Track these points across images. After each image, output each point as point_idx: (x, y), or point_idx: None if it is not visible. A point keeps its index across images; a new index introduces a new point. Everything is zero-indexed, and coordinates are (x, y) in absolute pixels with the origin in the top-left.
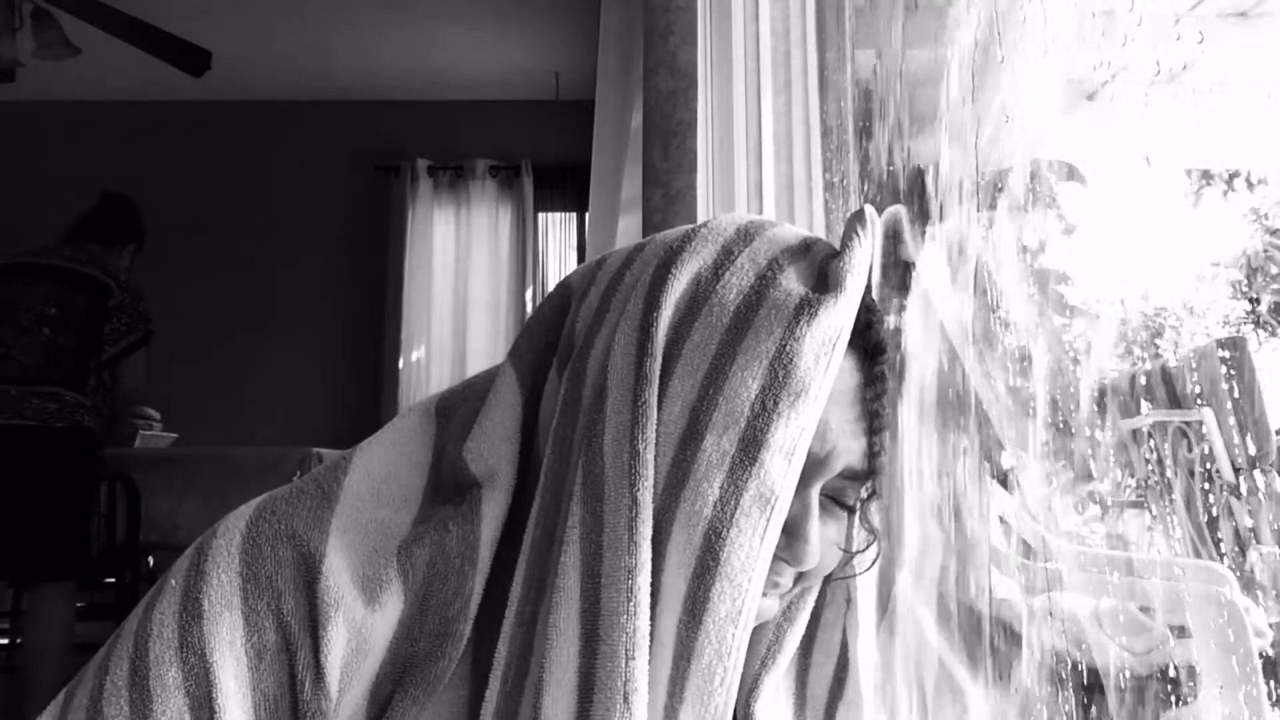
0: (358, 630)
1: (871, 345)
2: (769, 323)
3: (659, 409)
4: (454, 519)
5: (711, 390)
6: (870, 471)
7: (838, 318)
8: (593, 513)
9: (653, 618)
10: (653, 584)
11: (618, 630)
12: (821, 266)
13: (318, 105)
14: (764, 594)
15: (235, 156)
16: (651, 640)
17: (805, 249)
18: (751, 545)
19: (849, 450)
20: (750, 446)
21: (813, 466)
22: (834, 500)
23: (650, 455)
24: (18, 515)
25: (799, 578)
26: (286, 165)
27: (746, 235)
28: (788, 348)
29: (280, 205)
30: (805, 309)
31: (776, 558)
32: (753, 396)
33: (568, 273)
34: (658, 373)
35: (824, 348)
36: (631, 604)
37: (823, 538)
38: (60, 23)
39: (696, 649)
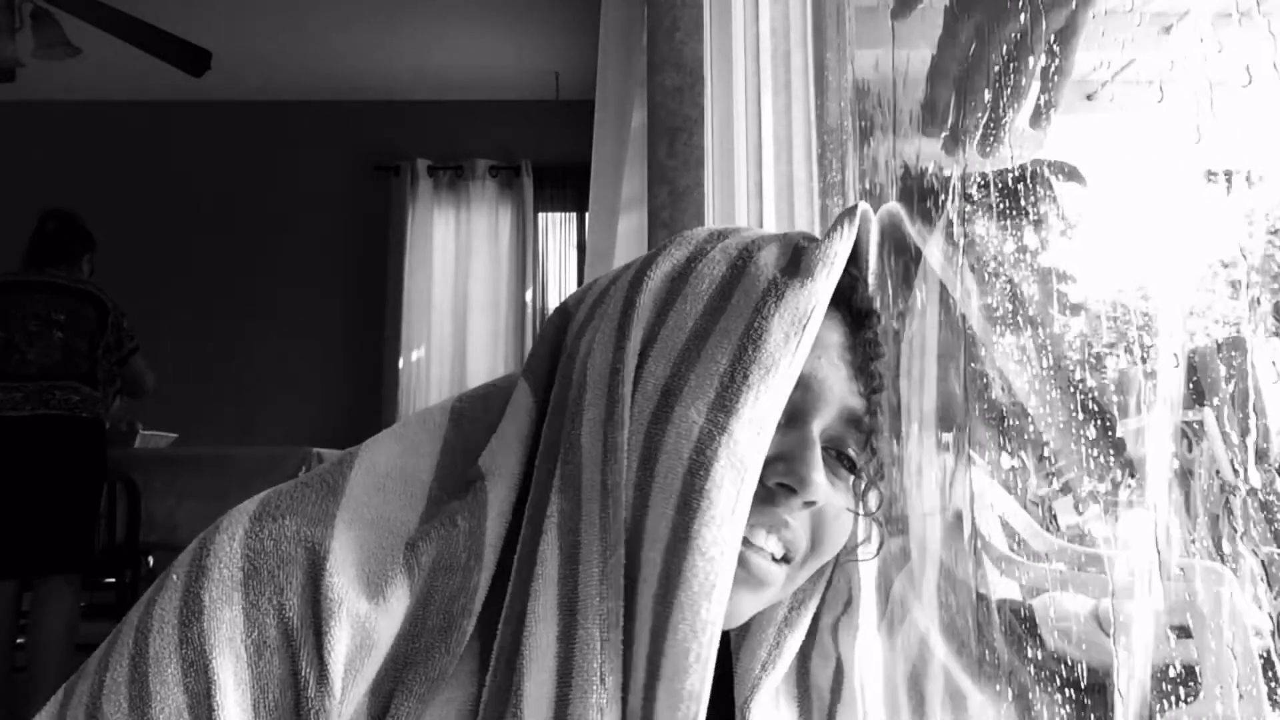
0: (362, 627)
1: (855, 309)
2: (740, 305)
3: (635, 394)
4: (461, 514)
5: (683, 368)
6: (869, 428)
7: (806, 300)
8: (571, 501)
9: (633, 597)
10: (633, 562)
11: (592, 611)
12: (797, 247)
13: (318, 105)
14: (770, 535)
15: (235, 156)
16: (633, 620)
17: (779, 236)
18: (722, 518)
19: (845, 394)
20: (719, 415)
21: (808, 403)
22: (837, 454)
23: (623, 438)
24: (36, 505)
25: (813, 548)
26: (286, 165)
27: (720, 235)
28: (755, 325)
29: (280, 205)
30: (772, 289)
31: (781, 488)
32: (722, 370)
33: (567, 272)
34: (632, 366)
35: (793, 327)
36: (604, 585)
37: (831, 500)
38: (60, 23)
39: (671, 625)
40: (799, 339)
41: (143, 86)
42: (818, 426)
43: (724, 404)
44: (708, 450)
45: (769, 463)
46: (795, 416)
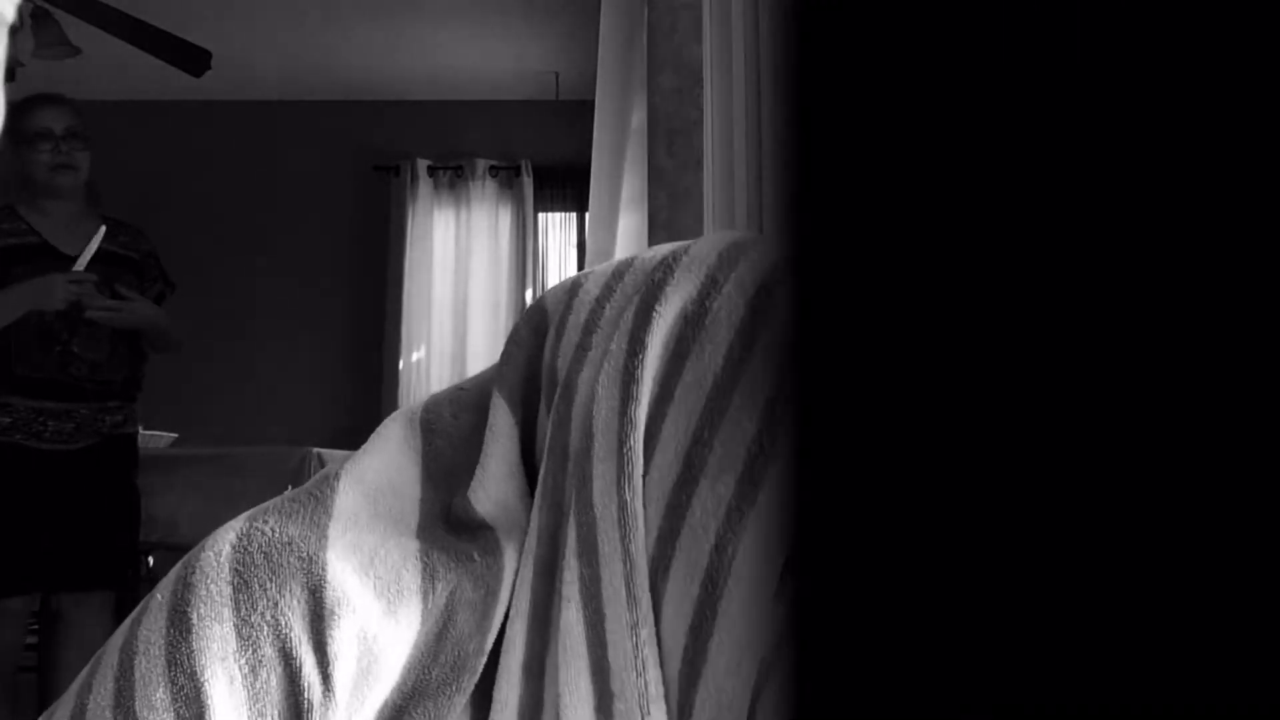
0: (365, 640)
1: None
2: (765, 360)
3: (652, 455)
4: (476, 549)
5: (706, 433)
6: None
7: None
8: (590, 567)
9: None
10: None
11: (630, 687)
12: None
13: (318, 105)
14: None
15: (235, 156)
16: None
17: None
18: (749, 596)
19: None
20: (748, 489)
21: None
22: None
23: (639, 505)
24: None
25: None
26: (287, 165)
27: (730, 260)
28: (786, 383)
29: (280, 205)
30: None
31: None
32: (750, 439)
33: (567, 272)
34: (644, 419)
35: None
36: (639, 660)
37: None
38: (60, 23)
39: (696, 704)
40: None
41: (143, 86)
42: None
43: (753, 476)
44: (737, 526)
45: None
46: None
